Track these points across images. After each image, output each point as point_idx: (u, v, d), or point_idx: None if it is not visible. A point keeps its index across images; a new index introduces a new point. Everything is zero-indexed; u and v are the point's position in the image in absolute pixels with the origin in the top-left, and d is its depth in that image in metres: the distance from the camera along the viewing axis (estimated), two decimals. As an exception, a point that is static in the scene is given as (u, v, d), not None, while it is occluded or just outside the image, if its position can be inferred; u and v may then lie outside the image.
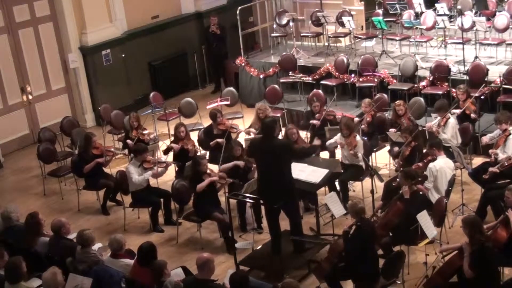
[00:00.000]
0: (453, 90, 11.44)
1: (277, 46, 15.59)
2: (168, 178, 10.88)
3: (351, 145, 9.76)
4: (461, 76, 11.86)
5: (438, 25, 13.29)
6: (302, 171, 8.85)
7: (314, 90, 12.67)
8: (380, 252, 7.99)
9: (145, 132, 11.38)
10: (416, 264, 8.37)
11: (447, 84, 11.86)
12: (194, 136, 11.52)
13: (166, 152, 10.93)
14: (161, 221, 10.09)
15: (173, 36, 15.48)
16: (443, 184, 8.86)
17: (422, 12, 13.84)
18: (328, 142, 10.36)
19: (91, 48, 13.99)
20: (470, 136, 10.44)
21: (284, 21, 15.06)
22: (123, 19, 14.70)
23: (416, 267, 8.30)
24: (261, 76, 14.29)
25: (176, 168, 10.88)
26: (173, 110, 12.99)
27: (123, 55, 14.54)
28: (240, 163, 9.88)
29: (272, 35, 15.48)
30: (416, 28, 13.73)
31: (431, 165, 8.93)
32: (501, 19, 12.91)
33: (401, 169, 9.04)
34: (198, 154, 10.73)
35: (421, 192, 8.55)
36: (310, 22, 14.91)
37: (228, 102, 12.67)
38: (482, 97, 11.34)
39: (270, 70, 14.17)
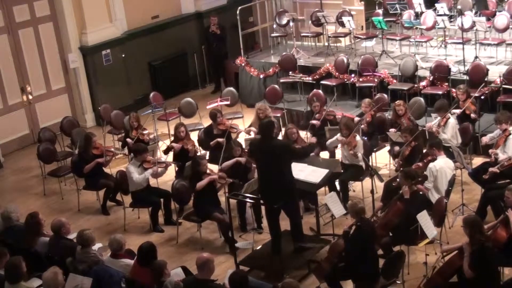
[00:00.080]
0: (453, 90, 11.44)
1: (277, 46, 15.59)
2: (168, 178, 10.88)
3: (351, 145, 9.76)
4: (461, 76, 11.86)
5: (438, 25, 13.29)
6: (302, 171, 8.85)
7: (314, 90, 12.67)
8: (380, 252, 7.99)
9: (145, 132, 11.38)
10: (416, 264, 8.37)
11: (447, 84, 11.86)
12: (194, 136, 11.52)
13: (166, 152, 10.93)
14: (161, 221, 10.09)
15: (173, 36, 15.48)
16: (443, 184, 8.85)
17: (422, 12, 13.84)
18: (328, 142, 10.37)
19: (91, 48, 13.99)
20: (470, 136, 10.44)
21: (284, 21, 15.06)
22: (123, 19, 14.70)
23: (416, 267, 8.30)
24: (261, 76, 14.29)
25: (176, 168, 10.88)
26: (173, 110, 12.99)
27: (123, 55, 14.54)
28: (242, 159, 9.90)
29: (272, 35, 15.48)
30: (416, 28, 13.73)
31: (431, 165, 8.93)
32: (501, 19, 12.91)
33: (401, 169, 9.05)
34: (198, 154, 10.73)
35: (421, 192, 8.55)
36: (310, 22, 14.91)
37: (228, 102, 12.67)
38: (482, 97, 11.34)
39: (270, 70, 14.17)
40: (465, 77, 11.74)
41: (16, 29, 13.18)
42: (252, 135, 10.98)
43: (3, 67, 13.07)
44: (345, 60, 13.12)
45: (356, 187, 10.34)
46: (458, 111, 10.60)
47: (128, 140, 11.29)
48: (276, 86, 13.12)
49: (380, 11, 14.64)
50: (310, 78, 13.41)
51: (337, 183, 9.83)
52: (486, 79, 11.42)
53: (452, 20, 13.81)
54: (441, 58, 12.61)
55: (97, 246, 8.10)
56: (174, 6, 15.77)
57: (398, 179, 8.60)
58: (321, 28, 14.74)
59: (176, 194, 9.71)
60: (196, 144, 11.22)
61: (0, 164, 12.82)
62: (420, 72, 12.32)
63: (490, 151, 9.58)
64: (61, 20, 13.72)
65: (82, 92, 14.16)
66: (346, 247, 7.65)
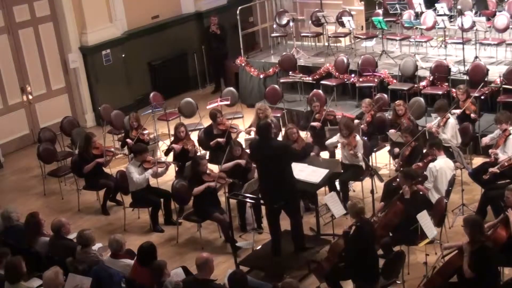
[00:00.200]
0: (453, 90, 11.44)
1: (277, 46, 15.59)
2: (168, 178, 10.88)
3: (351, 145, 9.76)
4: (461, 76, 11.86)
5: (438, 25, 13.28)
6: (302, 171, 8.84)
7: (314, 90, 12.67)
8: (380, 252, 7.99)
9: (145, 132, 11.38)
10: (416, 264, 8.37)
11: (447, 84, 11.86)
12: (194, 136, 11.52)
13: (167, 153, 10.94)
14: (161, 221, 10.09)
15: (173, 36, 15.48)
16: (443, 184, 8.85)
17: (422, 12, 13.84)
18: (328, 142, 10.37)
19: (91, 48, 13.99)
20: (470, 136, 10.44)
21: (284, 21, 15.06)
22: (123, 19, 14.70)
23: (416, 267, 8.30)
24: (261, 76, 14.28)
25: (176, 168, 10.88)
26: (173, 110, 12.99)
27: (123, 55, 14.54)
28: (242, 161, 9.90)
29: (272, 35, 15.47)
30: (416, 28, 13.73)
31: (431, 165, 8.93)
32: (501, 19, 12.92)
33: (401, 169, 9.05)
34: (198, 154, 10.73)
35: (421, 192, 8.55)
36: (310, 22, 14.91)
37: (228, 102, 12.67)
38: (482, 97, 11.33)
39: (270, 70, 14.17)
40: (465, 77, 11.74)
41: (16, 29, 13.17)
42: (252, 135, 10.97)
43: (3, 67, 13.07)
44: (345, 60, 13.12)
45: (356, 187, 10.34)
46: (458, 111, 10.61)
47: (128, 140, 11.29)
48: (276, 86, 13.12)
49: (380, 11, 14.64)
50: (310, 78, 13.41)
51: (337, 183, 9.83)
52: (486, 79, 11.41)
53: (452, 20, 13.81)
54: (441, 58, 12.61)
55: (97, 246, 8.10)
56: (174, 6, 15.77)
57: (398, 179, 8.60)
58: (321, 28, 14.74)
59: (176, 194, 9.71)
60: (196, 144, 11.22)
61: (0, 164, 12.82)
62: (420, 72, 12.31)
63: (490, 151, 9.58)
64: (61, 20, 13.72)
65: (82, 92, 14.16)
66: (346, 247, 7.65)
